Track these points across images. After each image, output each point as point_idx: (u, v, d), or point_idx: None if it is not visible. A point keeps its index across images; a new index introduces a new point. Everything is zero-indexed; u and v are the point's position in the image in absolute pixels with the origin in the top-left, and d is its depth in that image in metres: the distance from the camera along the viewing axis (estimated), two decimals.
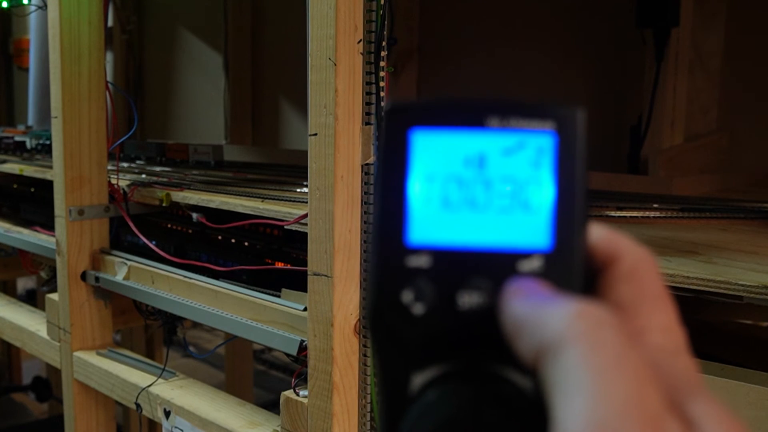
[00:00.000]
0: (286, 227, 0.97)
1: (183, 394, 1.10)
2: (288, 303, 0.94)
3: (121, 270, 1.22)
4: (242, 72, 2.18)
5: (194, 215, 1.17)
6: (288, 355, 0.93)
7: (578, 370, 0.20)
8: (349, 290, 0.83)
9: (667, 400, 0.21)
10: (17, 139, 2.08)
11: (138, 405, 1.14)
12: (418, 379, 0.25)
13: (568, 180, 0.25)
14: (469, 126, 0.25)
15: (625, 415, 0.19)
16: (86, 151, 1.25)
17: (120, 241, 1.33)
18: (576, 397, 0.20)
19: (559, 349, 0.21)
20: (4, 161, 1.82)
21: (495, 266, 0.25)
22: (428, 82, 1.81)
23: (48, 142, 1.94)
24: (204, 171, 1.60)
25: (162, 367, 1.17)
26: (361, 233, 0.83)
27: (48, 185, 1.35)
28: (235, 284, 1.03)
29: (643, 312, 0.24)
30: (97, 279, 1.26)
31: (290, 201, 1.07)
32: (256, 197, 1.11)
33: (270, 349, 2.72)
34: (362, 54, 0.81)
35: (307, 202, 0.84)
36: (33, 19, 2.44)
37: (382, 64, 0.82)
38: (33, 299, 2.82)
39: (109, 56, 2.40)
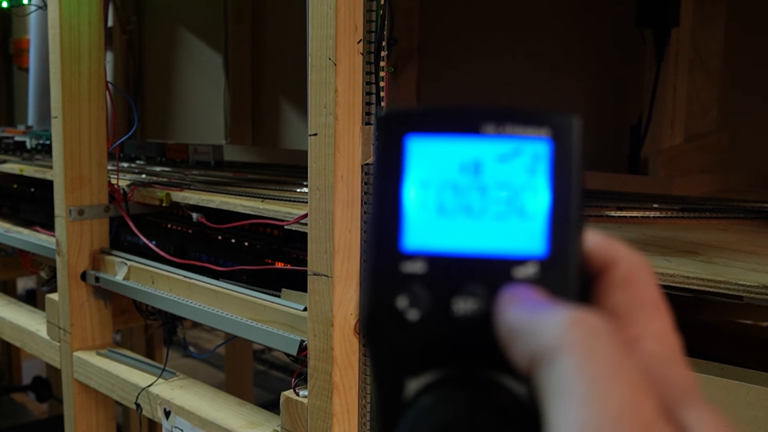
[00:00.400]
0: (286, 227, 0.97)
1: (183, 394, 1.10)
2: (288, 303, 0.94)
3: (121, 270, 1.22)
4: (242, 72, 2.18)
5: (194, 215, 1.17)
6: (288, 355, 0.93)
7: (572, 378, 0.20)
8: (349, 290, 0.83)
9: (661, 408, 0.21)
10: (17, 139, 2.08)
11: (138, 405, 1.14)
12: (413, 385, 0.25)
13: (564, 187, 0.25)
14: (465, 132, 0.25)
15: (619, 423, 0.19)
16: (86, 151, 1.25)
17: (120, 241, 1.33)
18: (570, 405, 0.20)
19: (553, 357, 0.21)
20: (4, 161, 1.82)
21: (490, 272, 0.25)
22: (428, 82, 1.81)
23: (48, 142, 1.94)
24: (204, 171, 1.60)
25: (162, 367, 1.17)
26: (361, 233, 0.83)
27: (48, 185, 1.35)
28: (235, 284, 1.03)
29: (638, 319, 0.24)
30: (97, 279, 1.26)
31: (290, 201, 1.07)
32: (256, 197, 1.11)
33: (270, 349, 2.72)
34: (362, 54, 0.81)
35: (307, 202, 0.84)
36: (33, 19, 2.44)
37: (382, 64, 0.82)
38: (33, 299, 2.82)
39: (109, 56, 2.40)
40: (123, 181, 1.32)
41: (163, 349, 2.18)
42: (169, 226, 1.35)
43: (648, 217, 1.00)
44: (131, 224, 1.25)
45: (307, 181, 0.83)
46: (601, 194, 1.22)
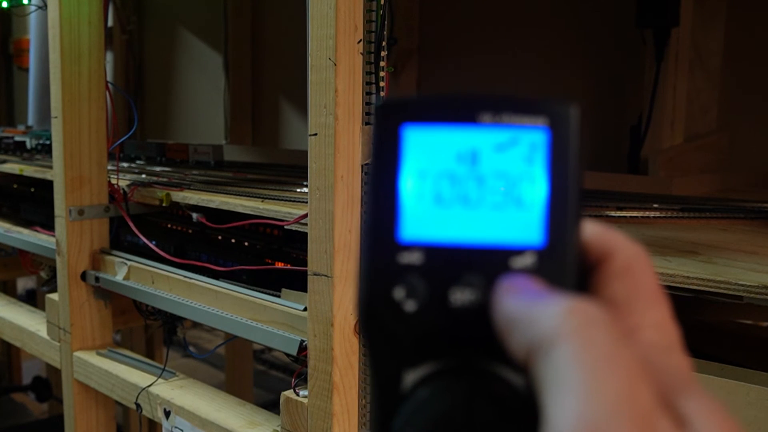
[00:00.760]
0: (286, 227, 0.97)
1: (183, 394, 1.10)
2: (288, 303, 0.94)
3: (121, 270, 1.22)
4: (242, 72, 2.18)
5: (194, 215, 1.17)
6: (288, 355, 0.92)
7: (569, 368, 0.20)
8: (349, 290, 0.83)
9: (659, 397, 0.21)
10: (17, 139, 2.08)
11: (138, 405, 1.14)
12: (411, 377, 0.25)
13: (562, 176, 0.25)
14: (462, 122, 0.25)
15: (616, 412, 0.19)
16: (86, 151, 1.25)
17: (120, 241, 1.33)
18: (567, 395, 0.20)
19: (550, 346, 0.21)
20: (4, 161, 1.82)
21: (487, 263, 0.25)
22: (428, 82, 1.81)
23: (48, 142, 1.94)
24: (204, 171, 1.60)
25: (162, 367, 1.17)
26: (361, 232, 0.83)
27: (48, 185, 1.35)
28: (235, 284, 1.03)
29: (636, 309, 0.24)
30: (97, 279, 1.26)
31: (290, 201, 1.07)
32: (256, 197, 1.11)
33: (270, 349, 2.72)
34: (362, 54, 0.81)
35: (307, 202, 0.84)
36: (33, 19, 2.44)
37: (382, 64, 0.82)
38: (33, 299, 2.82)
39: (109, 56, 2.40)
40: (123, 181, 1.32)
41: (163, 349, 2.18)
42: (169, 226, 1.35)
43: (648, 217, 1.00)
44: (131, 224, 1.25)
45: (307, 181, 0.83)
46: (601, 194, 1.22)
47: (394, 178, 0.25)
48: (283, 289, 0.97)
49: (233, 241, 1.20)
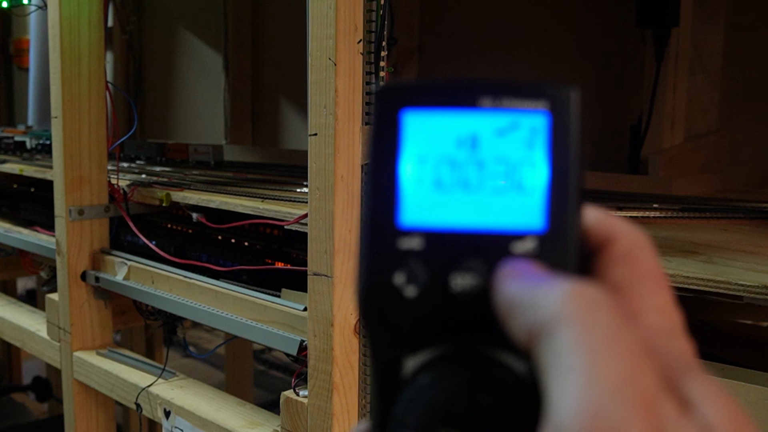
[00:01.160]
0: (286, 227, 0.97)
1: (183, 394, 1.10)
2: (288, 303, 0.94)
3: (121, 270, 1.22)
4: (242, 72, 2.18)
5: (194, 215, 1.17)
6: (288, 355, 0.92)
7: (571, 351, 0.20)
8: (349, 290, 0.83)
9: (661, 380, 0.21)
10: (17, 139, 2.08)
11: (138, 405, 1.14)
12: (411, 363, 0.25)
13: (562, 160, 0.24)
14: (462, 106, 0.25)
15: (618, 395, 0.19)
16: (86, 151, 1.25)
17: (120, 241, 1.33)
18: (569, 378, 0.20)
19: (552, 330, 0.21)
20: (4, 161, 1.82)
21: (488, 248, 0.24)
22: (427, 78, 1.81)
23: (48, 142, 1.94)
24: (204, 171, 1.60)
25: (162, 367, 1.17)
26: None
27: (48, 185, 1.35)
28: (235, 284, 1.03)
29: (638, 293, 0.24)
30: (97, 279, 1.26)
31: (290, 201, 1.07)
32: (256, 197, 1.11)
33: (270, 349, 2.72)
34: (362, 54, 0.81)
35: (307, 202, 0.84)
36: (33, 19, 2.44)
37: (382, 64, 0.82)
38: (33, 299, 2.82)
39: (109, 56, 2.40)
40: (123, 181, 1.32)
41: (163, 349, 2.18)
42: (169, 226, 1.35)
43: (648, 217, 1.00)
44: (131, 224, 1.25)
45: (307, 181, 0.83)
46: (601, 194, 1.22)
47: (393, 163, 0.25)
48: (283, 289, 0.97)
49: (233, 241, 1.20)
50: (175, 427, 1.07)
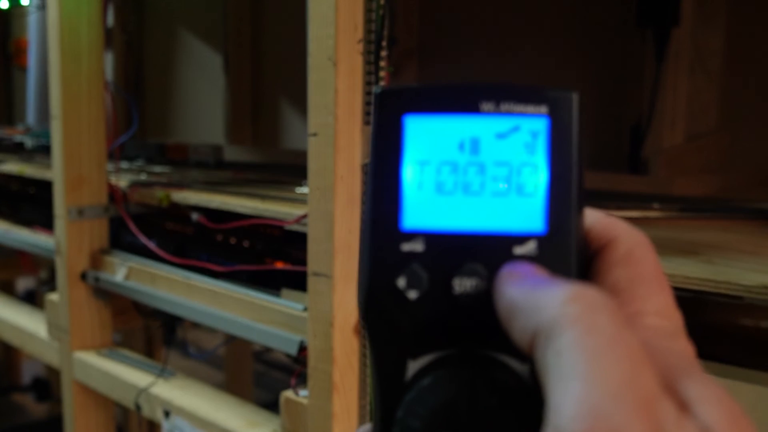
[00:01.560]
0: (286, 227, 0.97)
1: (183, 394, 1.10)
2: (288, 303, 0.94)
3: (121, 270, 1.22)
4: (242, 72, 2.18)
5: (194, 215, 1.17)
6: (288, 355, 0.92)
7: (572, 354, 0.20)
8: (349, 290, 0.83)
9: (662, 382, 0.21)
10: (17, 139, 2.08)
11: (138, 405, 1.14)
12: (413, 365, 0.25)
13: (563, 163, 0.25)
14: (463, 110, 0.25)
15: (618, 397, 0.19)
16: (86, 151, 1.25)
17: (120, 241, 1.33)
18: (570, 381, 0.20)
19: (553, 333, 0.21)
20: (4, 161, 1.82)
21: (490, 250, 0.25)
22: (428, 82, 1.81)
23: (48, 142, 1.93)
24: (204, 171, 1.60)
25: (162, 367, 1.17)
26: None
27: (48, 185, 1.35)
28: (235, 284, 1.03)
29: (639, 295, 0.24)
30: (97, 279, 1.26)
31: (290, 201, 1.07)
32: (256, 197, 1.11)
33: (270, 349, 2.72)
34: (362, 54, 0.81)
35: (307, 202, 0.84)
36: (32, 19, 2.44)
37: (382, 64, 0.82)
38: (33, 299, 2.82)
39: (109, 56, 2.40)
40: (123, 181, 1.32)
41: (163, 349, 2.18)
42: (169, 226, 1.35)
43: (648, 217, 1.00)
44: (131, 224, 1.25)
45: (307, 181, 0.83)
46: (601, 194, 1.22)
47: (395, 166, 0.25)
48: (283, 289, 0.97)
49: (233, 241, 1.20)
50: (175, 427, 1.06)
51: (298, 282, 0.95)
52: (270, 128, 2.17)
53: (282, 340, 0.91)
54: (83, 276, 1.27)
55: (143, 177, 1.47)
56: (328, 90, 0.79)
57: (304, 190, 1.12)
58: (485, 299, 0.24)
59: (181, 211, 1.22)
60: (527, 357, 0.22)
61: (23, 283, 3.41)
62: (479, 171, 0.25)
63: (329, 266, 0.81)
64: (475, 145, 0.25)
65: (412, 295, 0.25)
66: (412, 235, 0.25)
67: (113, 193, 1.29)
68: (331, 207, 0.80)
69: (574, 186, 0.25)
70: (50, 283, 1.49)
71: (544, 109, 0.25)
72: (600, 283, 0.25)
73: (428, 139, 0.25)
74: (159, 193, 1.22)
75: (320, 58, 0.80)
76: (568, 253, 0.24)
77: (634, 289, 0.24)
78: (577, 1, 1.58)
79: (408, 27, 1.80)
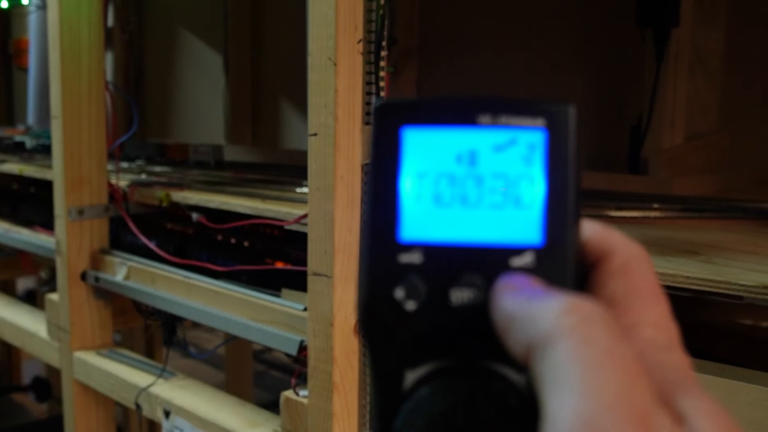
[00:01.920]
0: (286, 227, 0.97)
1: (183, 394, 1.10)
2: (288, 303, 0.94)
3: (121, 270, 1.22)
4: (242, 72, 2.18)
5: (194, 215, 1.17)
6: (288, 355, 0.92)
7: (568, 365, 0.20)
8: (349, 290, 0.83)
9: (657, 395, 0.21)
10: (17, 139, 2.08)
11: (138, 405, 1.14)
12: (411, 376, 0.25)
13: (560, 176, 0.25)
14: (461, 123, 0.25)
15: (613, 410, 0.19)
16: (86, 151, 1.25)
17: (120, 241, 1.33)
18: (565, 392, 0.20)
19: (548, 344, 0.21)
20: (4, 161, 1.82)
21: (487, 262, 0.25)
22: (428, 82, 1.81)
23: (48, 142, 1.93)
24: (204, 171, 1.60)
25: (162, 367, 1.17)
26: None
27: (48, 185, 1.35)
28: (235, 284, 1.03)
29: (635, 307, 0.24)
30: (97, 279, 1.26)
31: (290, 201, 1.07)
32: (256, 197, 1.11)
33: (270, 349, 2.72)
34: (362, 54, 0.81)
35: (307, 202, 0.84)
36: (33, 19, 2.44)
37: (382, 64, 0.82)
38: (33, 299, 2.82)
39: (109, 56, 2.40)
40: (123, 181, 1.32)
41: (163, 349, 2.18)
42: (169, 226, 1.35)
43: (648, 217, 1.00)
44: (131, 224, 1.25)
45: (307, 181, 0.83)
46: (601, 194, 1.22)
47: (393, 178, 0.25)
48: (283, 289, 0.97)
49: (233, 241, 1.20)
50: (175, 427, 1.06)
51: (298, 282, 0.95)
52: (270, 128, 2.17)
53: (282, 340, 0.92)
54: (83, 276, 1.27)
55: (143, 177, 1.47)
56: (328, 90, 0.79)
57: (304, 190, 1.13)
58: (482, 310, 0.24)
59: (181, 211, 1.22)
60: (524, 367, 0.22)
61: (23, 283, 3.41)
62: (477, 183, 0.25)
63: (329, 266, 0.81)
64: (472, 158, 0.25)
65: (410, 306, 0.25)
66: (410, 247, 0.25)
67: (113, 193, 1.29)
68: (331, 207, 0.80)
69: (571, 198, 0.25)
70: (50, 283, 1.49)
71: (541, 121, 0.25)
72: (597, 295, 0.25)
73: (426, 152, 0.25)
74: (159, 193, 1.22)
75: (320, 58, 0.80)
76: (565, 265, 0.25)
77: (631, 300, 0.24)
78: (578, 1, 1.58)
79: (408, 27, 1.80)
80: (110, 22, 2.35)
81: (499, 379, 0.24)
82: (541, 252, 0.25)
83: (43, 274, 1.54)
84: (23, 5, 1.81)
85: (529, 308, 0.22)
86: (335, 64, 0.78)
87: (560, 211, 0.25)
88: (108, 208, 1.29)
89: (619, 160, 1.48)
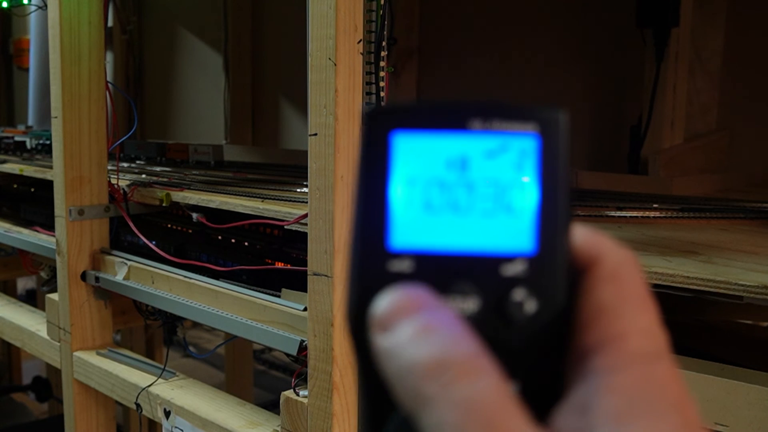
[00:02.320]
0: (286, 227, 0.97)
1: (183, 394, 1.10)
2: (288, 303, 0.94)
3: (121, 270, 1.22)
4: (242, 72, 2.18)
5: (194, 215, 1.17)
6: (288, 355, 0.92)
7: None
8: None
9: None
10: (17, 139, 2.08)
11: (138, 405, 1.14)
12: None
13: (551, 182, 0.25)
14: (451, 128, 0.25)
15: None
16: (86, 151, 1.25)
17: (120, 241, 1.33)
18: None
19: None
20: (4, 161, 1.82)
21: (478, 270, 0.24)
22: (428, 82, 1.81)
23: (48, 142, 1.94)
24: (204, 171, 1.60)
25: (162, 367, 1.17)
26: None
27: (48, 185, 1.35)
28: (235, 284, 1.03)
29: (624, 314, 0.24)
30: (97, 279, 1.26)
31: (290, 201, 1.07)
32: (256, 197, 1.11)
33: (270, 349, 2.72)
34: (362, 54, 0.81)
35: (307, 202, 0.84)
36: (33, 19, 2.44)
37: (382, 64, 0.82)
38: (33, 299, 2.82)
39: (109, 56, 2.40)
40: (123, 181, 1.32)
41: (163, 349, 2.18)
42: (169, 226, 1.35)
43: (648, 217, 1.00)
44: (131, 224, 1.25)
45: (307, 181, 0.83)
46: (601, 194, 1.22)
47: (383, 185, 0.25)
48: (283, 289, 0.97)
49: (233, 241, 1.20)
50: (175, 427, 1.07)
51: (298, 282, 0.95)
52: (270, 128, 2.18)
53: (282, 339, 0.92)
54: (83, 276, 1.27)
55: (143, 177, 1.47)
56: (328, 90, 0.79)
57: (304, 190, 1.13)
58: (474, 319, 0.24)
59: (181, 211, 1.22)
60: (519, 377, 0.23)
61: (23, 283, 3.41)
62: (468, 189, 0.25)
63: (329, 266, 0.81)
64: (463, 163, 0.25)
65: None
66: (400, 255, 0.25)
67: (114, 193, 1.29)
68: (331, 207, 0.80)
69: (563, 205, 0.25)
70: (50, 283, 1.49)
71: (532, 127, 0.25)
72: (586, 301, 0.25)
73: (416, 157, 0.25)
74: (159, 193, 1.22)
75: (320, 58, 0.80)
76: (556, 272, 0.24)
77: (620, 308, 0.24)
78: (577, 2, 1.58)
79: (408, 27, 1.80)
80: (110, 22, 2.35)
81: None
82: (532, 260, 0.24)
83: (44, 274, 1.54)
84: (23, 5, 1.80)
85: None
86: (335, 65, 0.78)
87: (552, 218, 0.25)
88: (108, 208, 1.29)
89: (619, 160, 1.48)
